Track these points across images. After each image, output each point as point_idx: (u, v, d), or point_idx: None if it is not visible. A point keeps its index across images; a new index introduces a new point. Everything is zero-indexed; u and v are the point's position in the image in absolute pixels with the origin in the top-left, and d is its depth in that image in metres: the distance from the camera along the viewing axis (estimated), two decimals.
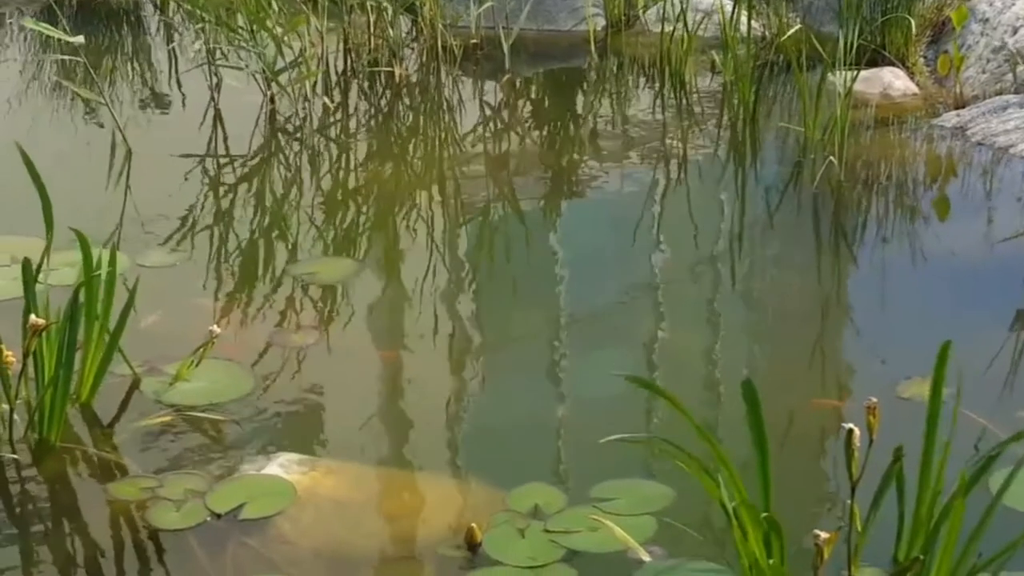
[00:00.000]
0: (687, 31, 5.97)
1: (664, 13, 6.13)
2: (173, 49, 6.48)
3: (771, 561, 2.63)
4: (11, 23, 6.95)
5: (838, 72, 5.13)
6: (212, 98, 5.75)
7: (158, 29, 6.79)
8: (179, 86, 6.08)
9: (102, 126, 5.57)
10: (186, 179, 5.06)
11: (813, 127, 5.19)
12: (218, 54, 5.78)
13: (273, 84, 5.64)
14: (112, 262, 3.45)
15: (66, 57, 5.55)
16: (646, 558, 2.91)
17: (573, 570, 2.91)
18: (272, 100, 5.65)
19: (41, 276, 3.39)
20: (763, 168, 5.33)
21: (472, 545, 2.98)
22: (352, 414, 3.58)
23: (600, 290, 4.31)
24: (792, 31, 5.64)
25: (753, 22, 5.88)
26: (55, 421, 3.30)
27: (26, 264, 3.32)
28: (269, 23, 5.58)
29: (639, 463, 3.27)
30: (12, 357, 3.25)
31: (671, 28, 6.04)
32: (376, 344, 3.99)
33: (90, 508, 3.16)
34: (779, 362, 3.91)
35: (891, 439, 2.74)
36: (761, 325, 4.20)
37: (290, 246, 4.58)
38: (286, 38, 5.66)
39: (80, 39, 5.22)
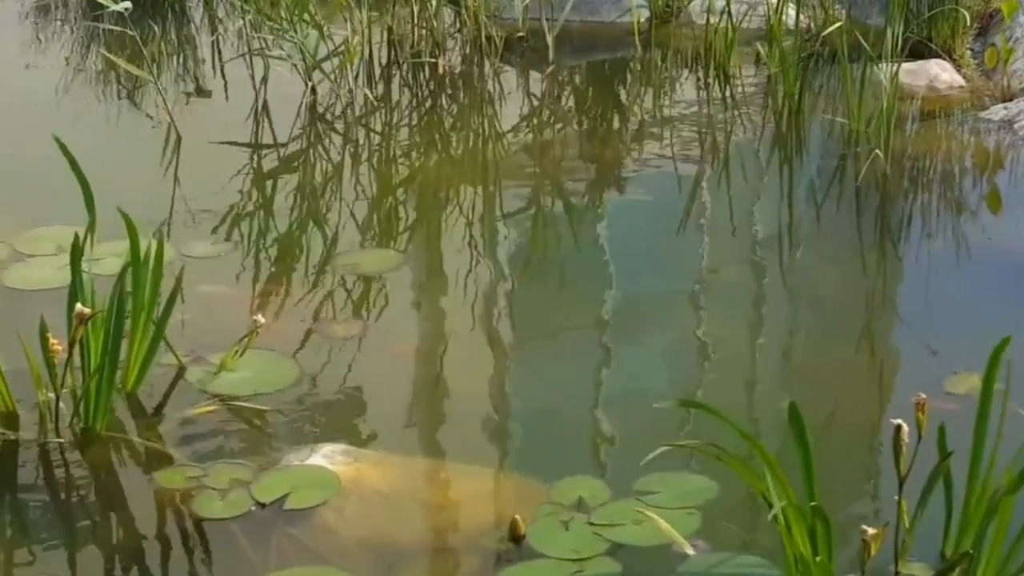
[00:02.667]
0: (731, 23, 5.94)
1: (709, 5, 6.10)
2: (217, 38, 6.50)
3: (818, 559, 2.61)
4: (57, 14, 6.98)
5: (884, 64, 5.09)
6: (255, 88, 5.76)
7: (202, 20, 6.81)
8: (223, 75, 6.09)
9: (148, 113, 5.58)
10: (229, 168, 5.06)
11: (858, 119, 5.15)
12: (261, 43, 5.79)
13: (315, 74, 5.64)
14: (159, 251, 3.46)
15: (115, 28, 5.60)
16: (690, 552, 2.90)
17: (617, 563, 2.91)
18: (313, 91, 5.66)
19: (87, 265, 3.40)
20: (808, 161, 5.30)
21: (516, 537, 2.97)
22: (396, 405, 3.58)
23: (644, 282, 4.30)
24: (835, 25, 5.59)
25: (799, 14, 5.84)
26: (101, 410, 3.32)
27: (73, 253, 3.33)
28: (309, 12, 5.59)
29: (683, 457, 3.26)
30: (58, 346, 3.26)
31: (716, 20, 6.00)
32: (418, 335, 4.00)
33: (135, 497, 3.17)
34: (824, 356, 3.89)
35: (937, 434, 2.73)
36: (806, 319, 4.18)
37: (333, 237, 4.58)
38: (328, 28, 5.66)
39: (127, 5, 5.24)
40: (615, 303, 4.14)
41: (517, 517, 2.98)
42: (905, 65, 5.34)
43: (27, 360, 3.29)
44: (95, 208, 3.48)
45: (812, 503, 2.61)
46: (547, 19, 6.08)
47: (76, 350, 3.30)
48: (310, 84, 5.65)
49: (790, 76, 5.46)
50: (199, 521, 3.05)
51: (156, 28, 6.51)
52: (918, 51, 5.80)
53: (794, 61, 5.48)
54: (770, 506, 2.63)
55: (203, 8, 6.84)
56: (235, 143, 5.33)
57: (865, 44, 5.11)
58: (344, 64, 5.65)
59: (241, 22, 6.02)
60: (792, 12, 5.86)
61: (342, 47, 5.65)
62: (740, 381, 3.78)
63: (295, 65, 5.67)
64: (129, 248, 3.37)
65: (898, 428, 2.60)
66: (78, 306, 3.24)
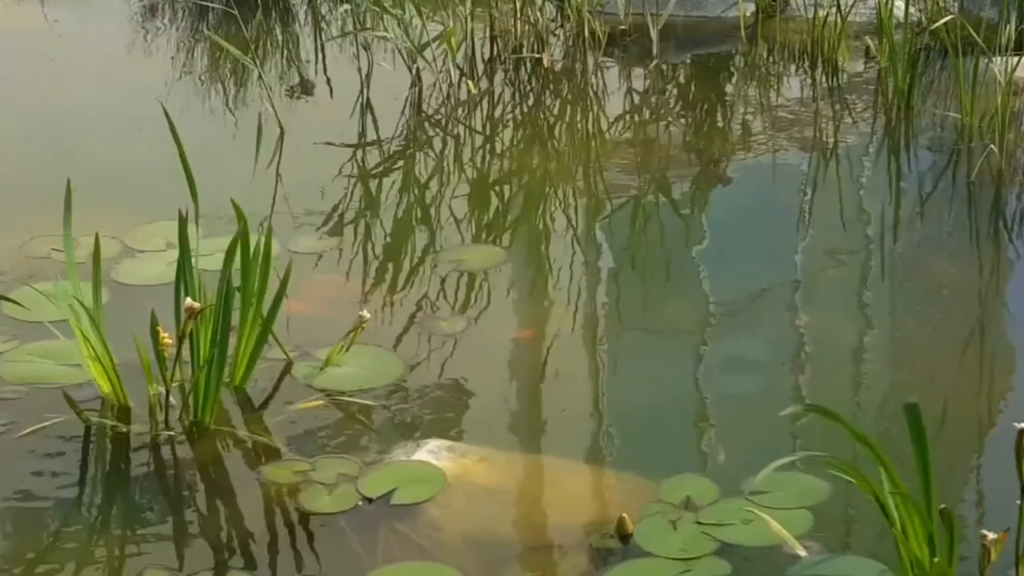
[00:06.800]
0: (840, 16, 5.85)
1: None
2: (320, 33, 6.55)
3: (936, 560, 2.55)
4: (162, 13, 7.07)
5: (998, 58, 4.98)
6: (360, 75, 5.78)
7: (305, 16, 6.86)
8: (325, 70, 6.13)
9: (252, 108, 5.61)
10: (333, 164, 5.08)
11: (971, 114, 5.04)
12: (365, 22, 5.82)
13: (418, 63, 5.63)
14: (267, 245, 3.48)
15: (219, 6, 5.67)
16: (802, 553, 2.85)
17: (726, 563, 2.87)
18: (419, 78, 5.65)
19: (195, 260, 3.42)
20: (918, 156, 5.20)
21: (623, 535, 2.95)
22: (501, 401, 3.58)
23: (750, 276, 4.25)
24: (946, 19, 5.48)
25: (909, 7, 5.73)
26: (209, 403, 3.34)
27: (183, 246, 3.36)
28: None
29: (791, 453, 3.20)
30: (169, 339, 3.29)
31: (823, 13, 5.92)
32: (522, 331, 3.98)
33: (243, 490, 3.19)
34: (935, 353, 3.81)
35: None
36: (917, 315, 4.10)
37: (437, 233, 4.58)
38: (431, 16, 5.67)
39: None
40: (720, 297, 4.10)
41: (624, 515, 2.96)
42: (1020, 59, 5.22)
43: (138, 354, 3.32)
44: (198, 200, 3.51)
45: (936, 509, 2.55)
46: (651, 13, 6.03)
47: (185, 344, 3.32)
48: (415, 68, 5.64)
49: (901, 70, 5.36)
50: (306, 515, 3.06)
51: (259, 24, 6.55)
52: None
53: (905, 54, 5.38)
54: (886, 513, 2.58)
55: (307, 5, 6.89)
56: (340, 140, 5.35)
57: (977, 38, 5.00)
58: (447, 52, 5.64)
59: (344, 9, 6.03)
60: (902, 4, 5.76)
61: (443, 33, 5.64)
62: (848, 377, 3.72)
63: (399, 50, 5.68)
64: (240, 240, 3.39)
65: (1020, 433, 2.53)
66: (187, 300, 3.26)
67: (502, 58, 6.08)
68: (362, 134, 5.46)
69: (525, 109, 5.82)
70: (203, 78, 6.07)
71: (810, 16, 6.05)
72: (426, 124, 5.56)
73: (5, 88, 5.87)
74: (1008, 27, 5.11)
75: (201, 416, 3.35)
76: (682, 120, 5.69)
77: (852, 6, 5.92)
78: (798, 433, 3.30)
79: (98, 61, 6.28)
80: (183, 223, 3.37)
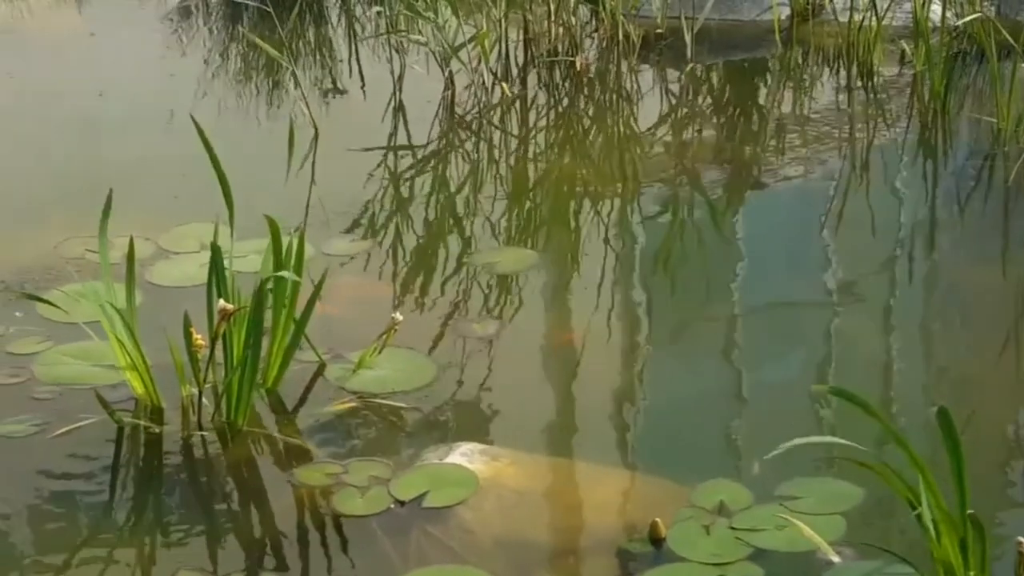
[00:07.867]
0: (876, 19, 5.82)
1: (852, 1, 5.98)
2: (353, 34, 6.56)
3: (971, 574, 2.53)
4: (197, 15, 7.10)
5: None
6: (394, 84, 5.79)
7: (339, 19, 6.88)
8: (360, 72, 6.14)
9: (286, 109, 5.63)
10: (367, 166, 5.09)
11: (1007, 118, 5.01)
12: (399, 39, 5.83)
13: (452, 65, 5.63)
14: (300, 249, 3.48)
15: (255, 3, 5.69)
16: (835, 559, 2.83)
17: (759, 569, 2.86)
18: (452, 81, 5.65)
19: (228, 262, 3.43)
20: (954, 160, 5.17)
21: (656, 540, 2.94)
22: (533, 404, 3.57)
23: (781, 282, 4.23)
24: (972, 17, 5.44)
25: (946, 10, 5.70)
26: (242, 405, 3.35)
27: (215, 250, 3.37)
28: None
29: (826, 460, 3.19)
30: (202, 341, 3.29)
31: (859, 17, 5.89)
32: (555, 334, 3.98)
33: (276, 492, 3.20)
34: (967, 360, 3.78)
35: None
36: (949, 321, 4.07)
37: (470, 236, 4.58)
38: (464, 19, 5.67)
39: None
40: (752, 303, 4.08)
41: (657, 520, 2.95)
42: None
43: (171, 356, 3.33)
44: (233, 203, 3.52)
45: (967, 512, 2.53)
46: (686, 17, 6.01)
47: (218, 346, 3.33)
48: (447, 70, 5.64)
49: (937, 74, 5.33)
50: (339, 517, 3.06)
51: (294, 25, 6.57)
52: None
53: (941, 59, 5.35)
54: (913, 509, 2.56)
55: (340, 7, 6.91)
56: (373, 142, 5.35)
57: (1013, 42, 4.97)
58: (480, 55, 5.64)
59: (376, 12, 6.04)
60: (938, 8, 5.73)
61: (476, 35, 5.65)
62: (880, 384, 3.69)
63: (432, 53, 5.68)
64: (272, 249, 3.40)
65: None
66: (220, 302, 3.27)
67: (536, 61, 6.08)
68: (395, 136, 5.47)
69: (559, 112, 5.82)
70: (238, 79, 6.09)
71: (845, 20, 6.03)
72: (459, 127, 5.56)
73: (39, 89, 5.90)
74: None
75: (234, 417, 3.35)
76: (716, 124, 5.68)
77: (888, 9, 5.89)
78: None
79: (133, 61, 6.31)
80: (212, 238, 3.38)
